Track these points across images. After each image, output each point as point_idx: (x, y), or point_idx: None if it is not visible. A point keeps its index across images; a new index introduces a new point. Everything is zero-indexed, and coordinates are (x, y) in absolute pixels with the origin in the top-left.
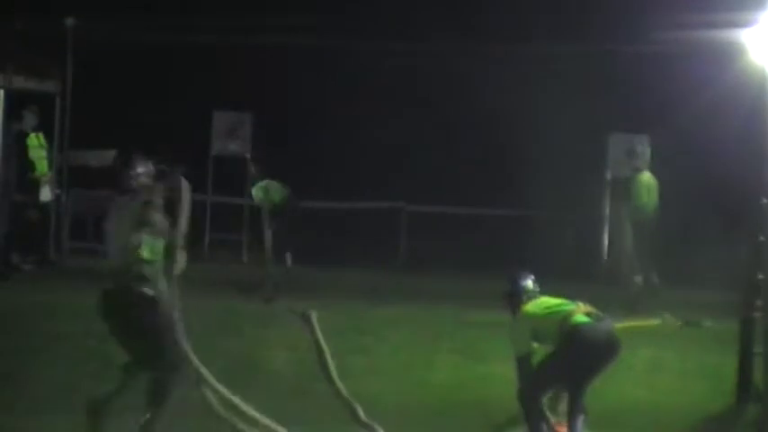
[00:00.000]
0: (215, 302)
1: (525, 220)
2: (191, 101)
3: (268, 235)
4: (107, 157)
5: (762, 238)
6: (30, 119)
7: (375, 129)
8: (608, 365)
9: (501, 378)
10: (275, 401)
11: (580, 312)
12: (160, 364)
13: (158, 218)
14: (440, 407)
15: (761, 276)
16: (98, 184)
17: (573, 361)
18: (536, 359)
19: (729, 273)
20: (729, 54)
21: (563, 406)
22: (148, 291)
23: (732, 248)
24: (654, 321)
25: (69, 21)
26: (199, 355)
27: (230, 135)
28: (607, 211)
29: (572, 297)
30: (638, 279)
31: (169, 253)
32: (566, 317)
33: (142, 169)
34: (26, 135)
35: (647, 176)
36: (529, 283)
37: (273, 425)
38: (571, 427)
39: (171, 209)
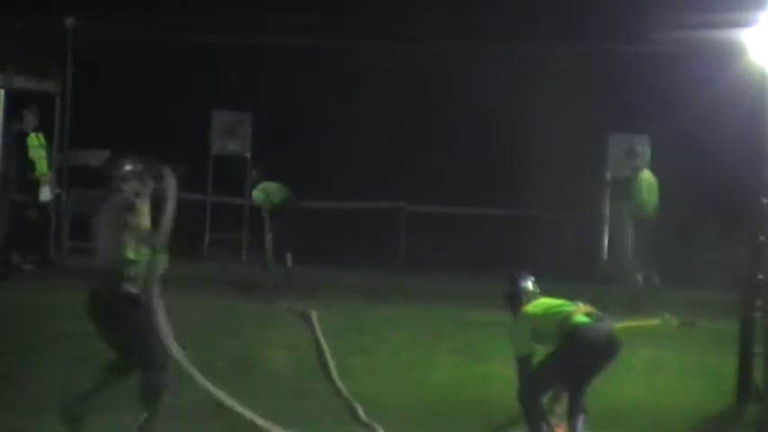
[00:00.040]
0: (215, 302)
1: (525, 220)
2: (190, 101)
3: (268, 235)
4: (107, 156)
5: (762, 238)
6: (30, 119)
7: (375, 129)
8: (608, 365)
9: (501, 378)
10: (275, 401)
11: (580, 313)
12: (146, 362)
13: (143, 218)
14: (440, 407)
15: (761, 276)
16: (98, 184)
17: (573, 361)
18: (536, 359)
19: (729, 273)
20: (729, 54)
21: (561, 407)
22: (133, 290)
23: (732, 248)
24: (653, 321)
25: (69, 21)
26: (199, 355)
27: (230, 135)
28: (607, 210)
29: (572, 297)
30: (639, 278)
31: (153, 253)
32: (566, 317)
33: (129, 169)
34: (26, 135)
35: (647, 175)
36: (529, 284)
37: (262, 421)
38: (571, 427)
39: (159, 207)
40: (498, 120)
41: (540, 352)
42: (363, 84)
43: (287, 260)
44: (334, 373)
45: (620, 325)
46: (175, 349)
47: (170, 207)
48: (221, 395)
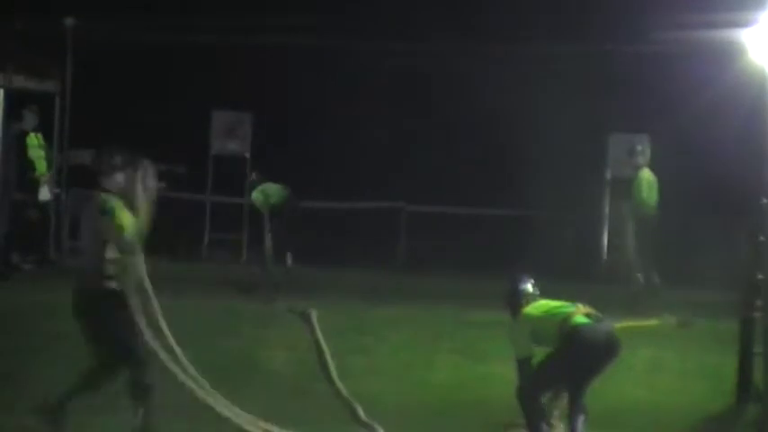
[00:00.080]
0: (215, 302)
1: (525, 220)
2: (190, 101)
3: (267, 236)
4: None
5: (762, 238)
6: (30, 118)
7: (375, 129)
8: (608, 366)
9: (501, 378)
10: (275, 401)
11: (579, 314)
12: (131, 361)
13: (125, 215)
14: (440, 407)
15: (761, 276)
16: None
17: (573, 362)
18: (536, 360)
19: (729, 273)
20: (729, 54)
21: (559, 408)
22: (117, 288)
23: (732, 248)
24: (652, 321)
25: (69, 21)
26: (199, 355)
27: (229, 134)
28: (607, 210)
29: (572, 297)
30: (640, 278)
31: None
32: (565, 318)
33: (114, 164)
34: (26, 134)
35: (647, 173)
36: (528, 286)
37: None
38: (571, 427)
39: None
40: (498, 120)
41: (540, 353)
42: (363, 84)
43: (287, 260)
44: (334, 373)
45: (619, 325)
46: (158, 348)
47: (142, 201)
48: (203, 394)
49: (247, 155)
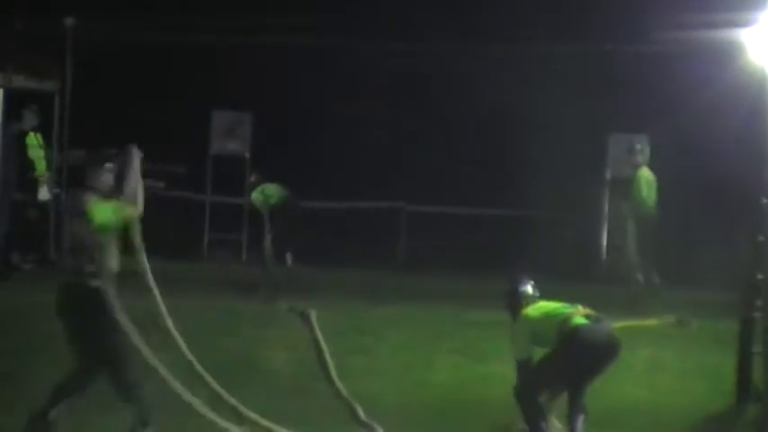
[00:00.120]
0: (214, 302)
1: (525, 220)
2: (190, 101)
3: (267, 236)
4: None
5: (762, 238)
6: (30, 118)
7: (375, 129)
8: (607, 367)
9: (501, 378)
10: (275, 401)
11: (579, 315)
12: (107, 360)
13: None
14: (440, 407)
15: (760, 276)
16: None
17: (572, 362)
18: (536, 360)
19: (729, 273)
20: (729, 54)
21: (556, 408)
22: (101, 287)
23: (732, 248)
24: (651, 321)
25: (69, 20)
26: (199, 355)
27: (229, 134)
28: (607, 210)
29: (572, 297)
30: (640, 278)
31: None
32: (565, 319)
33: (105, 165)
34: (26, 134)
35: (646, 173)
36: (528, 288)
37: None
38: (571, 427)
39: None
40: (498, 120)
41: (540, 354)
42: (363, 84)
43: (287, 260)
44: (334, 373)
45: (618, 324)
46: (143, 347)
47: (126, 190)
48: (188, 395)
49: (247, 155)
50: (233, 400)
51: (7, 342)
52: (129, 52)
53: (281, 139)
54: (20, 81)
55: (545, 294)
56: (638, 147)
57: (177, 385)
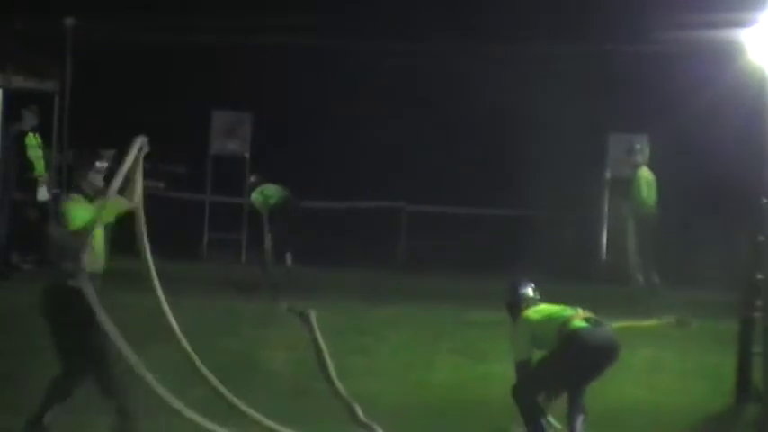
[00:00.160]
0: (214, 302)
1: (525, 220)
2: (190, 101)
3: (267, 236)
4: (106, 157)
5: (762, 238)
6: (29, 118)
7: (375, 129)
8: (606, 369)
9: (501, 378)
10: (274, 401)
11: (579, 318)
12: (94, 358)
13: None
14: (440, 407)
15: (760, 276)
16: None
17: (571, 365)
18: (535, 360)
19: (729, 273)
20: (729, 54)
21: (557, 408)
22: (76, 285)
23: (732, 248)
24: (651, 321)
25: (69, 21)
26: (198, 355)
27: (229, 134)
28: (606, 210)
29: (572, 296)
30: (640, 278)
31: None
32: (564, 322)
33: (99, 167)
34: (25, 134)
35: (646, 172)
36: (529, 290)
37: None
38: (571, 426)
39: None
40: (498, 120)
41: (539, 356)
42: (363, 84)
43: (287, 260)
44: (333, 373)
45: (617, 324)
46: (126, 351)
47: (112, 189)
48: (172, 398)
49: (247, 155)
50: (236, 401)
51: (7, 342)
52: (129, 52)
53: (281, 139)
54: (19, 81)
55: (545, 294)
56: (638, 147)
57: (155, 383)
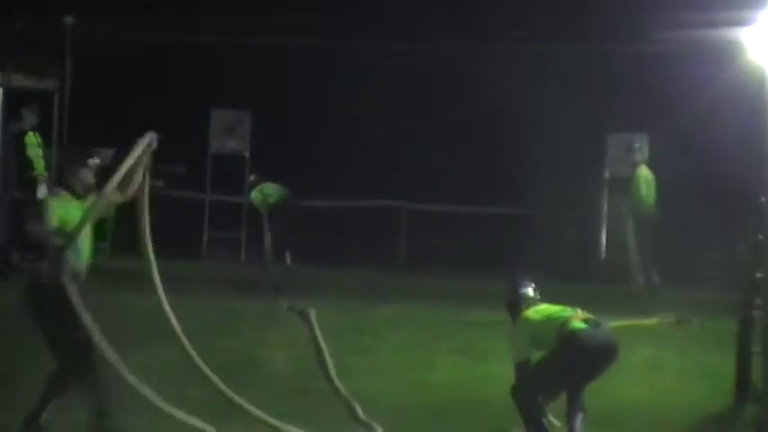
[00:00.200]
0: (214, 301)
1: (525, 220)
2: (190, 100)
3: (266, 235)
4: (105, 156)
5: (761, 238)
6: (29, 117)
7: (375, 129)
8: (605, 370)
9: (501, 378)
10: (274, 400)
11: (578, 319)
12: (76, 354)
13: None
14: (440, 407)
15: (759, 275)
16: (96, 184)
17: (570, 366)
18: (535, 361)
19: (729, 272)
20: (729, 53)
21: (556, 407)
22: (56, 283)
23: (732, 248)
24: (651, 321)
25: (69, 20)
26: (198, 355)
27: (229, 133)
28: (605, 209)
29: (572, 296)
30: (640, 277)
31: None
32: (564, 323)
33: (92, 163)
34: (25, 133)
35: (645, 171)
36: (529, 290)
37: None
38: (570, 425)
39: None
40: (498, 120)
41: (539, 356)
42: (363, 84)
43: (286, 259)
44: (333, 372)
45: (616, 324)
46: (106, 346)
47: (116, 177)
48: (152, 394)
49: (246, 154)
50: (239, 399)
51: (7, 342)
52: (128, 52)
53: (281, 139)
54: (19, 80)
55: (545, 294)
56: (637, 146)
57: (137, 382)
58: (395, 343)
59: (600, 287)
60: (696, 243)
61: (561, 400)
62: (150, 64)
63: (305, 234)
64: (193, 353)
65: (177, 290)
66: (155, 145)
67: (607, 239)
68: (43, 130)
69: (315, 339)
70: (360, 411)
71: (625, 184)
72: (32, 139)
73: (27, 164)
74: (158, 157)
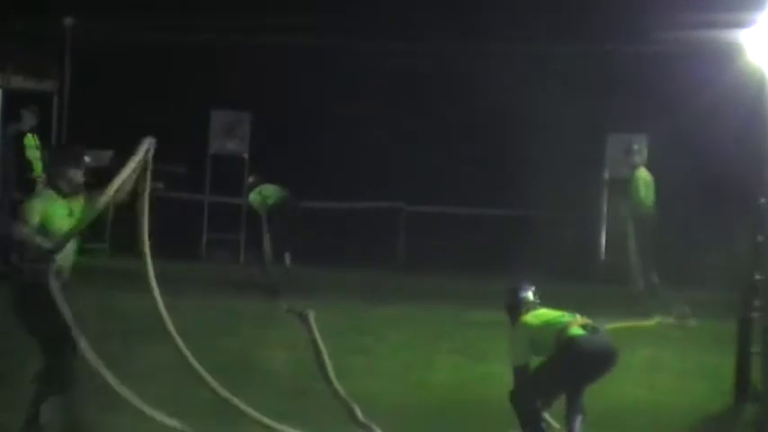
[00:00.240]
0: (213, 302)
1: (525, 220)
2: (190, 100)
3: (266, 236)
4: (104, 157)
5: (761, 238)
6: (28, 118)
7: (375, 129)
8: (604, 375)
9: (501, 378)
10: (273, 401)
11: (576, 325)
12: (58, 351)
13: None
14: (440, 407)
15: (759, 276)
16: (95, 184)
17: (568, 372)
18: (533, 365)
19: (729, 273)
20: (728, 54)
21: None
22: (39, 282)
23: (732, 248)
24: (650, 321)
25: (68, 20)
26: (197, 355)
27: (228, 134)
28: (605, 210)
29: (571, 296)
30: (639, 278)
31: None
32: (562, 329)
33: (81, 163)
34: (24, 135)
35: (644, 173)
36: (529, 294)
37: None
38: (569, 427)
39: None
40: (498, 120)
41: (537, 361)
42: (363, 84)
43: (285, 260)
44: (332, 373)
45: (616, 324)
46: (85, 346)
47: (116, 182)
48: (128, 393)
49: (246, 155)
50: (236, 400)
51: (7, 342)
52: (128, 52)
53: (281, 139)
54: (19, 81)
55: (545, 294)
56: (636, 147)
57: (114, 381)
58: (395, 343)
59: (600, 288)
60: (696, 243)
61: (560, 402)
62: (149, 64)
63: (305, 235)
64: (188, 354)
65: (176, 291)
66: (152, 151)
67: (607, 240)
68: (42, 131)
69: (314, 341)
70: (359, 413)
71: (624, 185)
72: (31, 140)
73: (26, 165)
74: (157, 160)
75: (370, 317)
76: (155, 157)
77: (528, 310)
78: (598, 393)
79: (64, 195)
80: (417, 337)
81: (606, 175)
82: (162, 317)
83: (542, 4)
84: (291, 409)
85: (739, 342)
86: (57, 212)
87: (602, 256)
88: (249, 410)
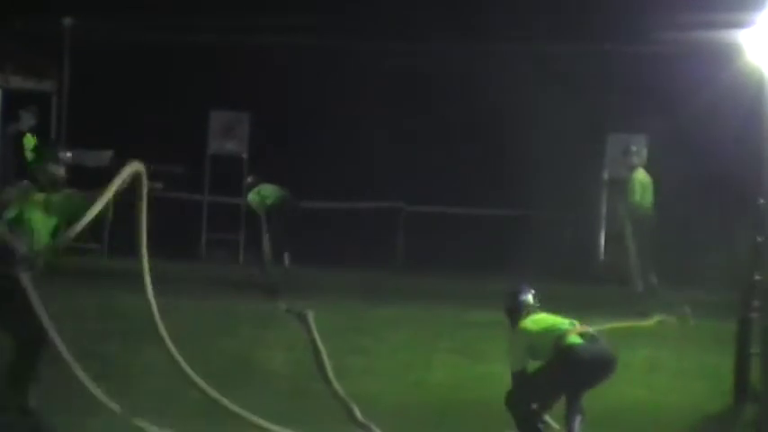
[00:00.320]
0: (212, 302)
1: (524, 220)
2: (189, 101)
3: (265, 236)
4: (104, 157)
5: (760, 239)
6: (27, 118)
7: (375, 129)
8: (602, 382)
9: (501, 378)
10: (272, 401)
11: (575, 333)
12: (30, 342)
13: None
14: (439, 407)
15: (758, 277)
16: (95, 185)
17: (566, 379)
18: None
19: (729, 273)
20: (728, 54)
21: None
22: (13, 277)
23: (731, 248)
24: (649, 322)
25: (67, 20)
26: (197, 355)
27: (227, 134)
28: (604, 210)
29: (570, 296)
30: (638, 279)
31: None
32: (561, 336)
33: (62, 157)
34: (23, 135)
35: (641, 175)
36: (529, 297)
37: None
38: (569, 427)
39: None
40: (498, 120)
41: (535, 366)
42: (363, 84)
43: (285, 260)
44: (331, 373)
45: (616, 325)
46: (60, 344)
47: (106, 195)
48: (98, 391)
49: (245, 155)
50: (225, 401)
51: (6, 341)
52: (127, 52)
53: (280, 139)
54: (18, 81)
55: (544, 295)
56: (634, 148)
57: (86, 378)
58: (394, 343)
59: (599, 288)
60: (696, 243)
61: (560, 403)
62: (149, 65)
63: (305, 235)
64: (178, 355)
65: (176, 291)
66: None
67: (606, 240)
68: (42, 131)
69: (313, 341)
70: (358, 413)
71: (622, 186)
72: (30, 140)
73: (25, 166)
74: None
75: (370, 317)
76: (155, 157)
77: (528, 314)
78: (597, 393)
79: (43, 190)
80: (417, 337)
81: (605, 176)
82: (154, 320)
83: (542, 4)
84: (291, 409)
85: (739, 342)
86: (32, 207)
87: (602, 257)
88: (242, 412)
